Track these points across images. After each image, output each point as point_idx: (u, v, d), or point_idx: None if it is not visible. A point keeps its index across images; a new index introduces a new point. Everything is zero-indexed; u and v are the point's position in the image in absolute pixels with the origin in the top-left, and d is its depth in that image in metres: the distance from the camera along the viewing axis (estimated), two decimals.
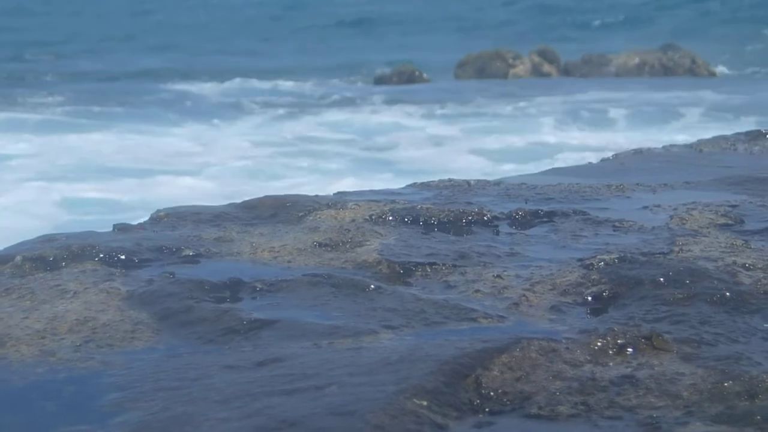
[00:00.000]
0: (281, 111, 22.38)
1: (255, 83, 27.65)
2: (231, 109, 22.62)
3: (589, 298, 2.46)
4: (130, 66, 32.14)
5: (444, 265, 2.71)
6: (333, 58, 33.41)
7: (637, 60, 28.90)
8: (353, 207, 3.33)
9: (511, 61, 28.59)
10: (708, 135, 5.69)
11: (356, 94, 24.99)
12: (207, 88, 26.45)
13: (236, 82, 27.90)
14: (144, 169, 15.14)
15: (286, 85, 27.50)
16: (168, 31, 42.72)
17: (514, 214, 3.26)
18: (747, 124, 16.53)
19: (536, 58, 28.92)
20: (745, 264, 2.66)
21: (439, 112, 21.61)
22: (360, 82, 29.03)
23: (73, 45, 39.33)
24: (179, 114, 21.61)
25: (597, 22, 39.13)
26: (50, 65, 33.94)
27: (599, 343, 2.07)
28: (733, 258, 2.71)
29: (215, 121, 20.87)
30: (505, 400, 1.87)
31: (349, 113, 21.88)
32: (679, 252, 2.80)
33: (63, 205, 12.57)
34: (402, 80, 27.79)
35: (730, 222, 3.19)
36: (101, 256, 2.81)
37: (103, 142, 17.52)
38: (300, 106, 23.13)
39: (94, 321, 2.33)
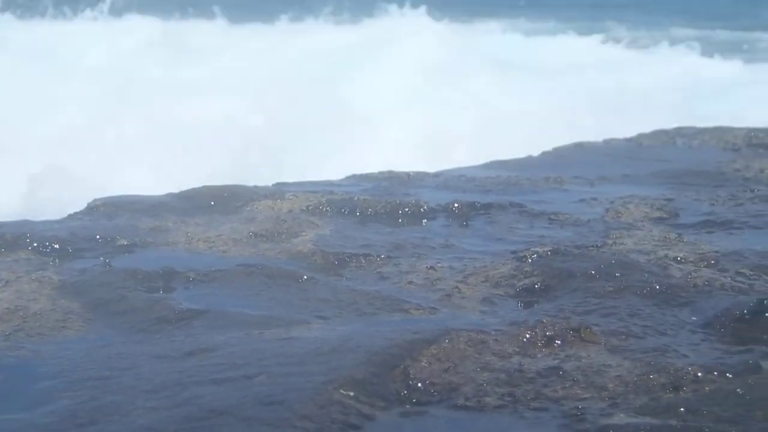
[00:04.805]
0: None
1: None
2: None
3: (521, 290, 2.48)
4: None
5: (378, 256, 2.72)
6: None
7: None
8: (291, 198, 3.33)
9: None
10: None
11: None
12: None
13: None
14: None
15: None
16: None
17: (450, 206, 3.27)
18: None
19: None
20: (676, 257, 2.69)
21: None
22: None
23: None
24: None
25: None
26: None
27: (528, 335, 2.09)
28: (666, 251, 2.75)
29: None
30: (432, 390, 1.88)
31: None
32: (612, 245, 2.83)
33: None
34: None
35: (664, 216, 3.23)
36: (35, 245, 2.79)
37: None
38: None
39: (25, 310, 2.32)
